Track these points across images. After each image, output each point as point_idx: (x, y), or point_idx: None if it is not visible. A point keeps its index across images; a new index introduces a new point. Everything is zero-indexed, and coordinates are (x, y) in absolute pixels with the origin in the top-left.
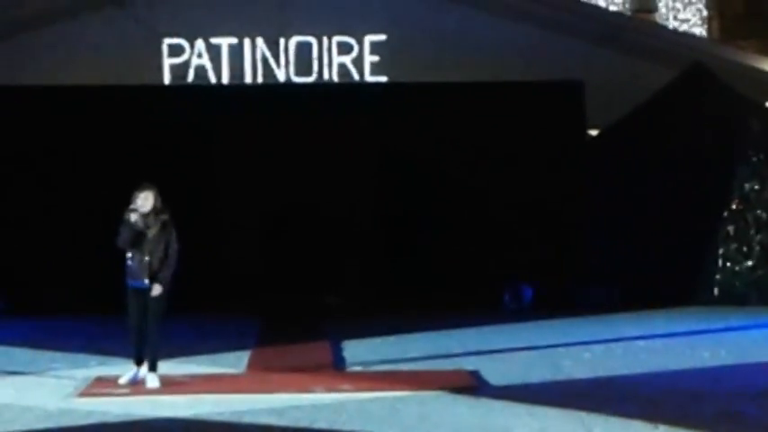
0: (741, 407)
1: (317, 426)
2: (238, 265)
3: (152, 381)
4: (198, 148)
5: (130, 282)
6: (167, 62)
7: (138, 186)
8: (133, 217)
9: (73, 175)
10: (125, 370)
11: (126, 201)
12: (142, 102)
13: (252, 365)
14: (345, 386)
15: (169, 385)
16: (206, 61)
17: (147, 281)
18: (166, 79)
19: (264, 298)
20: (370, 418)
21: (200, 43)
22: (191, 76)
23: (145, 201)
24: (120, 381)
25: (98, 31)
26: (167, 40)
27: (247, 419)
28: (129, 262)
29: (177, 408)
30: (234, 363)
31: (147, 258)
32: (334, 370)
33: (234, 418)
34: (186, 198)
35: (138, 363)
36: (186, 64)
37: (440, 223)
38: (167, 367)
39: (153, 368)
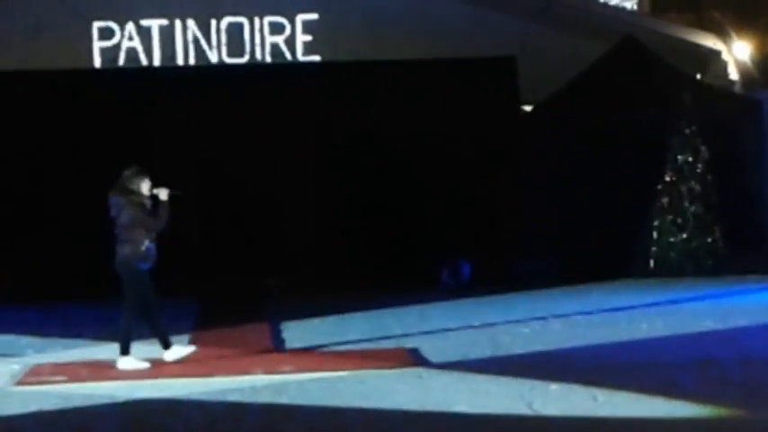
0: (679, 377)
1: (256, 407)
2: (177, 248)
3: (175, 353)
4: (132, 132)
5: (145, 265)
6: (97, 45)
7: (136, 170)
8: (147, 201)
9: (4, 161)
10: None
11: (60, 185)
12: (73, 86)
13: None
14: (285, 367)
15: (106, 370)
16: (137, 44)
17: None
18: (97, 63)
19: (204, 280)
20: (310, 399)
21: (130, 26)
22: (122, 59)
23: (145, 184)
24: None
25: (27, 15)
26: (97, 24)
27: (185, 403)
28: (149, 244)
29: (116, 393)
30: (172, 348)
31: (155, 241)
32: (275, 351)
33: (173, 402)
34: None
35: (167, 344)
36: (117, 47)
37: (377, 202)
38: (106, 352)
39: (168, 345)
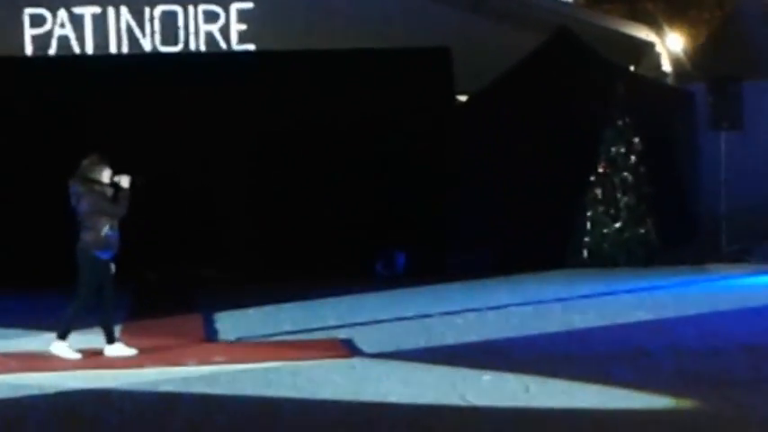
0: (610, 368)
1: (189, 398)
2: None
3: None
4: (64, 121)
5: (105, 254)
6: (29, 33)
7: (96, 158)
8: (108, 189)
9: None
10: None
11: None
12: (4, 74)
13: (122, 340)
14: (218, 358)
15: (36, 361)
16: (69, 31)
17: (113, 252)
18: (28, 50)
19: (137, 271)
20: (242, 389)
21: (62, 13)
22: (53, 47)
23: (106, 172)
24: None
25: None
26: (28, 10)
27: (117, 394)
28: (110, 232)
29: (45, 384)
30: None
31: (117, 229)
32: (207, 342)
33: (104, 393)
34: (55, 171)
35: (112, 340)
36: (49, 34)
37: (311, 192)
38: (38, 343)
39: (112, 340)
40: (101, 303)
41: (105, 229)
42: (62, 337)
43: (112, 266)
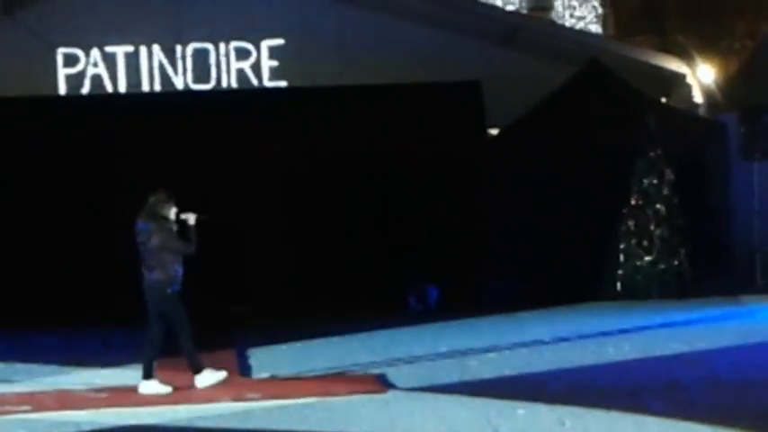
0: (647, 400)
1: None
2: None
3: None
4: (97, 159)
5: (177, 287)
6: (62, 72)
7: (164, 195)
8: (174, 226)
9: None
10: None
11: (26, 213)
12: (38, 113)
13: (157, 377)
14: (252, 395)
15: (71, 399)
16: (102, 70)
17: None
18: (62, 89)
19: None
20: (277, 426)
21: (95, 52)
22: (86, 86)
23: (173, 209)
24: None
25: None
26: (62, 50)
27: (152, 431)
28: (178, 268)
29: (80, 422)
30: (139, 376)
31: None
32: (241, 378)
33: (139, 430)
34: (87, 208)
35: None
36: (82, 74)
37: (344, 227)
38: (69, 380)
39: (199, 369)
40: (151, 338)
41: (175, 267)
42: (147, 377)
43: None
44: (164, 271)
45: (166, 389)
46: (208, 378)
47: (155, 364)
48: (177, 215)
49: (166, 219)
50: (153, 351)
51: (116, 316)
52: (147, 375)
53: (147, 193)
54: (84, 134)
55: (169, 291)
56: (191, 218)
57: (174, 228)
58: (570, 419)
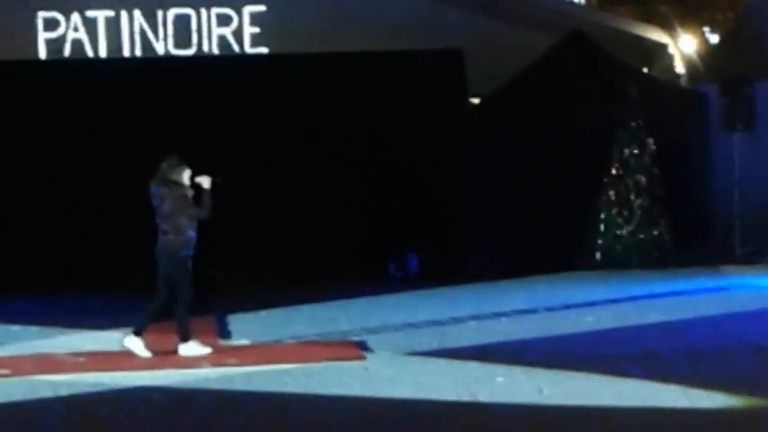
0: (626, 368)
1: (203, 399)
2: (123, 241)
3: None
4: (78, 124)
5: (190, 252)
6: (42, 36)
7: (176, 160)
8: (189, 191)
9: None
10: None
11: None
12: (17, 77)
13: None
14: (232, 360)
15: (51, 363)
16: (82, 35)
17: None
18: (42, 54)
19: (150, 273)
20: (256, 391)
21: (75, 16)
22: (67, 51)
23: (186, 173)
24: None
25: None
26: (42, 14)
27: (130, 395)
28: (191, 233)
29: (58, 386)
30: (119, 339)
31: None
32: (220, 344)
33: (117, 394)
34: (68, 173)
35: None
36: (62, 38)
37: (324, 194)
38: (51, 345)
39: (186, 338)
40: (155, 300)
41: (189, 232)
42: (138, 333)
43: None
44: (177, 235)
45: (147, 353)
46: (192, 349)
47: (148, 326)
48: (192, 179)
49: (177, 183)
50: (152, 313)
51: (96, 282)
52: (138, 332)
53: (126, 158)
54: (63, 99)
55: (181, 254)
56: (205, 181)
57: (190, 192)
58: (548, 386)
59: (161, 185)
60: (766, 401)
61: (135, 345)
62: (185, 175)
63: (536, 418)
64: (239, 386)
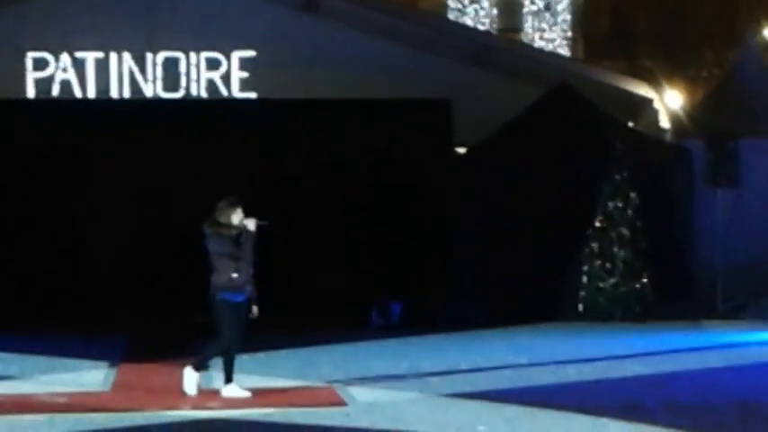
0: (606, 422)
1: None
2: (107, 285)
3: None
4: (65, 164)
5: (234, 296)
6: (31, 76)
7: (229, 201)
8: (235, 232)
9: None
10: None
11: None
12: (5, 116)
13: (117, 384)
14: (213, 404)
15: (31, 404)
16: (71, 75)
17: (247, 295)
18: (30, 93)
19: (134, 316)
20: None
21: (65, 57)
22: (55, 91)
23: (236, 215)
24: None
25: None
26: (31, 54)
27: None
28: (235, 275)
29: (37, 427)
30: (100, 381)
31: (250, 271)
32: (202, 388)
33: None
34: (53, 214)
35: (229, 380)
36: (51, 78)
37: (309, 240)
38: (29, 386)
39: (230, 380)
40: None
41: (231, 274)
42: (197, 369)
43: (255, 310)
44: (217, 276)
45: (246, 393)
46: (234, 391)
47: (233, 367)
48: (241, 221)
49: (223, 225)
50: (213, 355)
51: (74, 324)
52: (228, 379)
53: (113, 199)
54: (51, 138)
55: (218, 297)
56: (250, 223)
57: (235, 232)
58: None
59: (208, 226)
60: None
61: (232, 392)
62: (235, 217)
63: None
64: (218, 430)
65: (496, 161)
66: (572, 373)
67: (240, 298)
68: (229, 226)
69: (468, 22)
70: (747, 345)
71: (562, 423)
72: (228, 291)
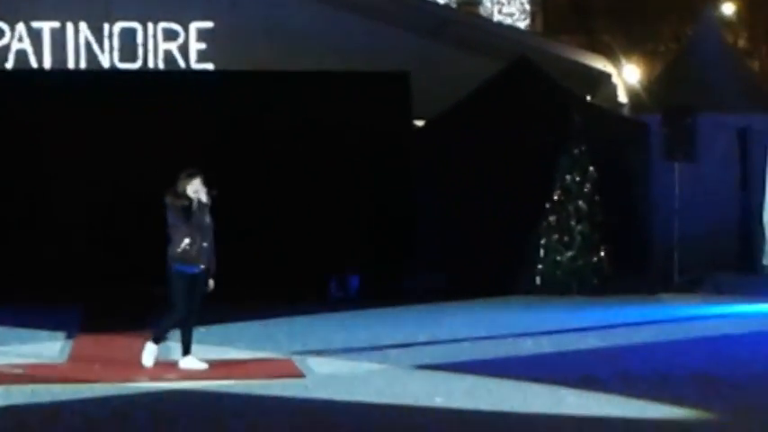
0: (563, 393)
1: (140, 415)
2: (64, 255)
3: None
4: (21, 135)
5: (187, 268)
6: None
7: (186, 173)
8: (189, 203)
9: None
10: None
11: None
12: None
13: (74, 355)
14: (170, 375)
15: None
16: (27, 45)
17: (202, 266)
18: None
19: (89, 287)
20: (192, 408)
21: (20, 27)
22: (11, 61)
23: (191, 186)
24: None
25: None
26: None
27: (66, 408)
28: (188, 247)
29: None
30: (56, 352)
31: (205, 244)
32: (159, 359)
33: (52, 407)
34: (11, 186)
35: (187, 352)
36: (6, 48)
37: (266, 212)
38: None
39: (187, 351)
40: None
41: (183, 245)
42: (155, 341)
43: (210, 283)
44: (171, 247)
45: (203, 365)
46: (191, 362)
47: (191, 339)
48: (195, 192)
49: (182, 195)
50: (184, 326)
51: (31, 295)
52: (186, 351)
53: (68, 171)
54: (6, 110)
55: (173, 269)
56: (202, 195)
57: (195, 204)
58: (487, 407)
59: (166, 196)
60: (700, 428)
61: (190, 363)
62: (190, 188)
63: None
64: (175, 401)
65: (455, 134)
66: (529, 346)
67: (195, 270)
68: (185, 196)
69: None
70: (703, 318)
71: (519, 394)
72: (182, 262)
